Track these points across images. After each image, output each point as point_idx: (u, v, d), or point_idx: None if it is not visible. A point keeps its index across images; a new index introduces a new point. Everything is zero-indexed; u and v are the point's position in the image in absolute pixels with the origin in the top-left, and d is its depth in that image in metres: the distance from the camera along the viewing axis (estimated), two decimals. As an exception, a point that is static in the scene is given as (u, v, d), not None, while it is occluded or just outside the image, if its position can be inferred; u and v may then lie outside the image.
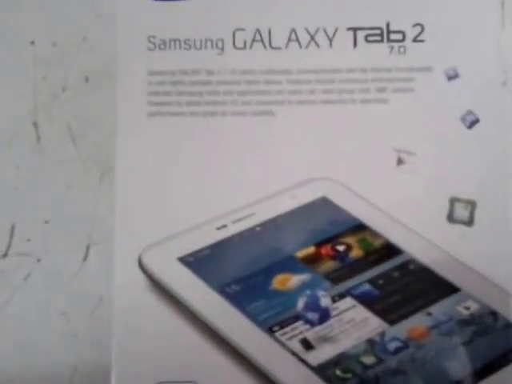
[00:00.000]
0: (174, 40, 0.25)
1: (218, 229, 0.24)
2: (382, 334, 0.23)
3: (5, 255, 0.27)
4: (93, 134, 0.27)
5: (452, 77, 0.25)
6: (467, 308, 0.23)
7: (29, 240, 0.27)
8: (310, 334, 0.23)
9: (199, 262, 0.24)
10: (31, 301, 0.26)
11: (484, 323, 0.23)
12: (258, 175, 0.25)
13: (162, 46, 0.25)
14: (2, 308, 0.26)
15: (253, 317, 0.23)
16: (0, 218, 0.27)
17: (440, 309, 0.23)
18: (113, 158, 0.25)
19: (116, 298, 0.23)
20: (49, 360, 0.26)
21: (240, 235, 0.25)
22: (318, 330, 0.23)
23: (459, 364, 0.22)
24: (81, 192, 0.27)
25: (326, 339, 0.23)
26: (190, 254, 0.24)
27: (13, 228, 0.27)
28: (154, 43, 0.25)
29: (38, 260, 0.27)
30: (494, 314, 0.23)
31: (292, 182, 0.25)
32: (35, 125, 0.28)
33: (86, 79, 0.28)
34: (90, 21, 0.28)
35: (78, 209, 0.27)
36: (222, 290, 0.23)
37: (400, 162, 0.25)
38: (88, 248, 0.27)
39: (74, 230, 0.27)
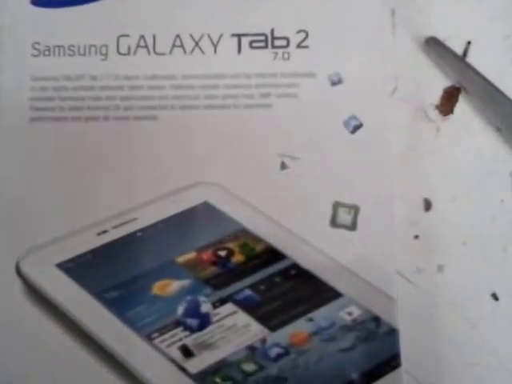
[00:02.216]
0: (59, 46, 0.25)
1: (99, 234, 0.24)
2: (263, 341, 0.22)
3: None
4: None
5: (335, 82, 0.25)
6: (350, 313, 0.23)
7: None
8: (190, 340, 0.22)
9: (78, 268, 0.24)
10: None
11: (367, 329, 0.23)
12: (139, 180, 0.24)
13: (47, 53, 0.25)
14: None
15: (131, 323, 0.23)
16: None
17: (322, 314, 0.23)
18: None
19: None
20: None
21: (121, 240, 0.24)
22: (198, 336, 0.22)
23: (340, 371, 0.22)
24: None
25: (205, 346, 0.22)
26: (69, 260, 0.24)
27: None
28: (38, 50, 0.25)
29: None
30: (376, 320, 0.23)
31: (175, 187, 0.24)
32: None
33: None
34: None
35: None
36: (100, 296, 0.23)
37: (284, 166, 0.24)
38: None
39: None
